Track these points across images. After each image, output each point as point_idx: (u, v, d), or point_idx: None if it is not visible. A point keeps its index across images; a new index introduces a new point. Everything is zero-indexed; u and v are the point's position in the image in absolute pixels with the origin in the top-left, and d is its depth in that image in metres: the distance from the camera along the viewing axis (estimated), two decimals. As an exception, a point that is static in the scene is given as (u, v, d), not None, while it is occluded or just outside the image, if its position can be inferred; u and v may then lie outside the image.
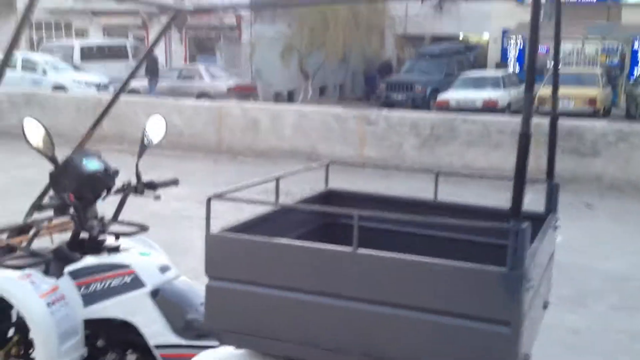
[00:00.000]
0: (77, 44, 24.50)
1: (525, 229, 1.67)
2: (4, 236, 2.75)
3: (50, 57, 22.11)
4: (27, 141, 2.51)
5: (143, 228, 2.84)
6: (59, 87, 19.45)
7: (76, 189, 2.58)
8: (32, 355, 2.74)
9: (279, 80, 24.59)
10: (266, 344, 1.94)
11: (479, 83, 19.48)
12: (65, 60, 22.28)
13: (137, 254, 2.62)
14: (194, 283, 2.63)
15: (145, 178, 2.89)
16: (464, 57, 24.31)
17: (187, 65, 23.38)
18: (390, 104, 19.80)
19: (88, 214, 2.66)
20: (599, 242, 6.82)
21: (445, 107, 18.31)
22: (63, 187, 2.58)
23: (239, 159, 11.70)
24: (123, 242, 2.75)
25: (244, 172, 9.90)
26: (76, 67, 22.03)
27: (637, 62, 23.83)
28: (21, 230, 2.83)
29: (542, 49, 24.77)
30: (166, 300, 2.48)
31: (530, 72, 1.80)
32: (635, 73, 22.54)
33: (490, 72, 22.04)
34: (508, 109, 18.37)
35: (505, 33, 25.16)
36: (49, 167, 2.69)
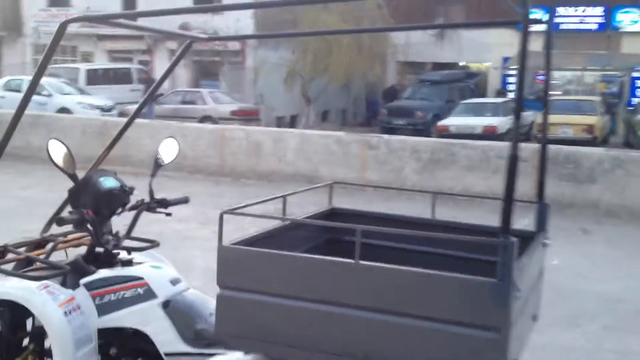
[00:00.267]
0: (82, 67, 24.78)
1: (513, 243, 1.82)
2: (22, 250, 2.90)
3: (55, 80, 22.38)
4: (52, 160, 2.67)
5: (154, 244, 3.01)
6: (63, 110, 19.68)
7: (94, 205, 2.74)
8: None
9: (282, 105, 24.88)
10: (274, 349, 2.08)
11: (479, 110, 19.68)
12: (71, 83, 22.56)
13: (149, 267, 2.77)
14: (202, 295, 2.77)
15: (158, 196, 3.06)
16: (464, 84, 24.54)
17: (191, 90, 23.65)
18: (391, 130, 20.02)
19: (104, 229, 2.82)
20: (594, 266, 6.95)
21: (445, 132, 18.52)
22: (82, 203, 2.74)
23: (242, 182, 11.86)
24: (135, 256, 2.90)
25: (247, 194, 10.05)
26: (81, 90, 22.29)
27: (636, 91, 24.09)
28: (38, 244, 2.99)
29: (541, 77, 25.10)
30: (177, 310, 2.61)
31: (519, 102, 1.98)
32: (634, 101, 22.77)
33: (491, 99, 22.30)
34: (507, 135, 18.56)
35: (505, 61, 25.46)
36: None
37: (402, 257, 2.14)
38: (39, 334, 2.83)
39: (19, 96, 15.97)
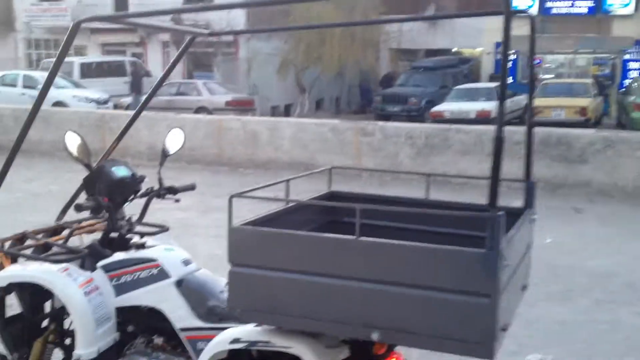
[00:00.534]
0: (76, 61, 24.84)
1: (500, 216, 1.99)
2: (41, 236, 3.08)
3: (49, 74, 22.45)
4: (68, 151, 2.83)
5: (164, 228, 3.20)
6: (59, 103, 19.78)
7: (108, 193, 2.91)
8: (67, 343, 3.06)
9: (276, 95, 25.01)
10: (282, 319, 2.26)
11: (472, 95, 19.84)
12: (66, 77, 22.65)
13: (162, 249, 2.94)
14: (212, 274, 2.95)
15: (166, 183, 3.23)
16: (457, 70, 24.67)
17: (185, 81, 23.74)
18: (385, 116, 20.17)
19: (117, 215, 2.99)
20: (586, 243, 7.16)
21: (439, 118, 18.67)
22: (96, 190, 2.91)
23: (239, 171, 12.02)
24: (148, 240, 3.07)
25: (245, 183, 10.18)
26: (76, 84, 22.38)
27: (628, 73, 24.26)
28: (54, 231, 3.16)
29: (536, 61, 25.26)
30: (189, 289, 2.79)
31: (503, 86, 2.15)
32: (625, 83, 22.95)
33: (484, 84, 22.45)
34: (501, 119, 18.70)
35: (498, 46, 25.55)
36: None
37: (399, 235, 2.30)
38: (59, 315, 3.02)
39: (14, 91, 16.22)
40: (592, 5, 24.39)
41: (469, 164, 10.38)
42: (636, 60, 24.47)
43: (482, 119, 17.96)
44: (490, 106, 18.97)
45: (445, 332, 2.06)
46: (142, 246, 2.99)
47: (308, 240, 2.24)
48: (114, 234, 3.02)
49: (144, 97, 3.40)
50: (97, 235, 3.11)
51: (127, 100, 22.11)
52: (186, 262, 2.91)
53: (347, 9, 21.77)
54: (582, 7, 24.58)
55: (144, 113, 3.60)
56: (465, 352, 2.06)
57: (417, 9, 24.04)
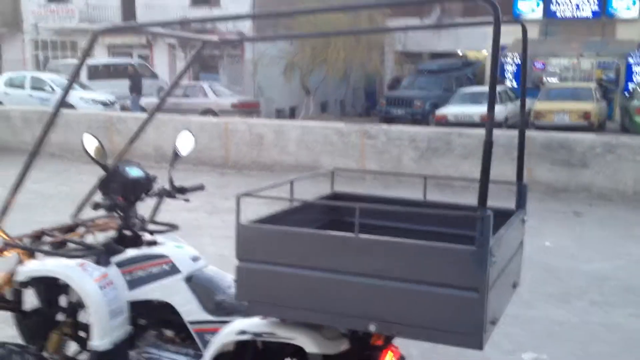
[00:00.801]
0: (83, 63, 25.01)
1: (489, 215, 2.14)
2: (57, 233, 3.24)
3: (57, 76, 22.65)
4: (86, 152, 3.00)
5: (174, 227, 3.37)
6: (66, 105, 19.95)
7: (122, 192, 3.08)
8: (81, 335, 3.22)
9: (281, 97, 25.20)
10: (286, 312, 2.41)
11: (476, 98, 19.93)
12: (72, 79, 22.83)
13: (173, 247, 3.10)
14: (220, 271, 3.11)
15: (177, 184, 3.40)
16: (462, 73, 24.78)
17: (192, 83, 23.94)
18: (390, 119, 20.32)
19: (130, 214, 3.16)
20: (584, 247, 7.28)
21: (443, 121, 18.79)
22: (111, 190, 3.08)
23: (245, 173, 12.19)
24: (158, 238, 3.24)
25: (251, 185, 10.34)
26: (83, 86, 22.60)
27: (632, 77, 24.35)
28: (69, 228, 3.33)
29: (538, 65, 25.40)
30: (198, 284, 2.95)
31: (492, 92, 2.30)
32: (630, 87, 23.05)
33: (488, 88, 22.53)
34: (505, 123, 18.85)
35: (502, 49, 25.68)
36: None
37: (397, 234, 2.44)
38: (74, 308, 3.18)
39: (22, 92, 16.43)
40: (597, 9, 24.49)
41: (471, 167, 10.52)
42: (640, 64, 24.59)
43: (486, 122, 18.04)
44: (495, 110, 19.07)
45: (437, 324, 2.21)
46: (153, 243, 3.15)
47: (310, 237, 2.40)
48: (127, 232, 3.18)
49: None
50: (109, 233, 3.27)
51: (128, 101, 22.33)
52: (195, 259, 3.07)
53: (352, 12, 21.92)
54: (587, 11, 24.69)
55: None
56: (456, 343, 2.21)
57: (422, 12, 24.20)
